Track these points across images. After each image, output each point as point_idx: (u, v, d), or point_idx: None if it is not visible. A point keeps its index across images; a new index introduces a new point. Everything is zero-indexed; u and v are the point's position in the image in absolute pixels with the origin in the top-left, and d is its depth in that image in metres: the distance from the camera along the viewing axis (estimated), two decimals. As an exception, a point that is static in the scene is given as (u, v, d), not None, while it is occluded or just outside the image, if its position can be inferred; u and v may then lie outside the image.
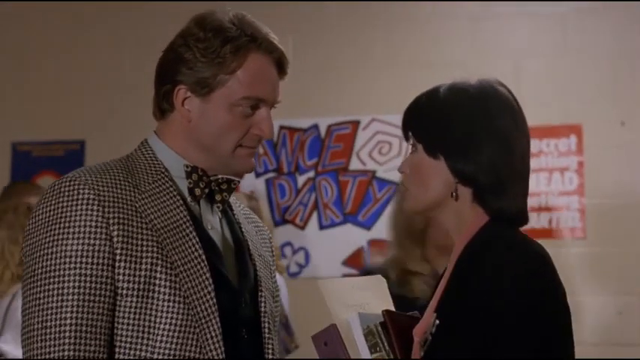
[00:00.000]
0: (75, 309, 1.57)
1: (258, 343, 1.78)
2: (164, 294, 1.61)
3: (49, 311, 1.57)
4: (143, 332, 1.61)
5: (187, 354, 1.62)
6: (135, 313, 1.61)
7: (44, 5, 5.43)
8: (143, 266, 1.61)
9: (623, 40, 4.63)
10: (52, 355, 1.56)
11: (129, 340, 1.61)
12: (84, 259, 1.59)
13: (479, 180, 1.69)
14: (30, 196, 3.57)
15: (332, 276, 4.85)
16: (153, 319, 1.61)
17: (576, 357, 1.68)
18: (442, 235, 2.52)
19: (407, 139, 1.78)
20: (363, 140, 4.96)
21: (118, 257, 1.60)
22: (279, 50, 1.76)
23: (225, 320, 1.66)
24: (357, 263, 4.89)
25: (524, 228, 1.75)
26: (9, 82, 5.56)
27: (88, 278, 1.58)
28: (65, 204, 1.61)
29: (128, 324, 1.61)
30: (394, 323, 1.73)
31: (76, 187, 1.62)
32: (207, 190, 1.75)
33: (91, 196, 1.61)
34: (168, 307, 1.61)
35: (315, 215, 5.02)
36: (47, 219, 1.62)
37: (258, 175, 5.07)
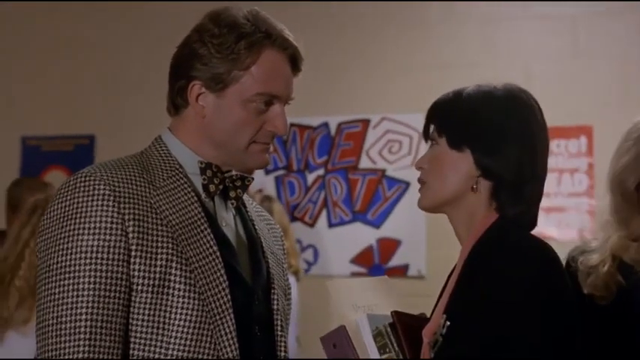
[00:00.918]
0: (90, 304, 1.57)
1: (271, 341, 1.79)
2: (179, 290, 1.61)
3: (64, 307, 1.57)
4: (158, 328, 1.61)
5: (201, 350, 1.62)
6: (150, 309, 1.61)
7: (55, 2, 5.44)
8: (158, 262, 1.61)
9: (634, 42, 4.63)
10: (66, 351, 1.55)
11: (143, 335, 1.61)
12: (99, 255, 1.59)
13: (503, 175, 1.70)
14: (38, 193, 3.57)
15: (340, 274, 4.86)
16: (167, 315, 1.61)
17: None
18: None
19: (426, 135, 1.79)
20: (373, 139, 4.95)
21: (133, 253, 1.60)
22: (294, 47, 1.75)
23: (238, 317, 1.67)
24: (365, 261, 4.89)
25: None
26: (19, 77, 5.58)
27: (104, 274, 1.58)
28: (81, 200, 1.61)
29: (143, 320, 1.61)
30: (403, 324, 1.73)
31: (92, 182, 1.62)
32: (221, 187, 1.75)
33: (107, 192, 1.61)
34: (183, 303, 1.61)
35: (324, 213, 5.02)
36: (63, 214, 1.62)
37: (267, 172, 5.07)
